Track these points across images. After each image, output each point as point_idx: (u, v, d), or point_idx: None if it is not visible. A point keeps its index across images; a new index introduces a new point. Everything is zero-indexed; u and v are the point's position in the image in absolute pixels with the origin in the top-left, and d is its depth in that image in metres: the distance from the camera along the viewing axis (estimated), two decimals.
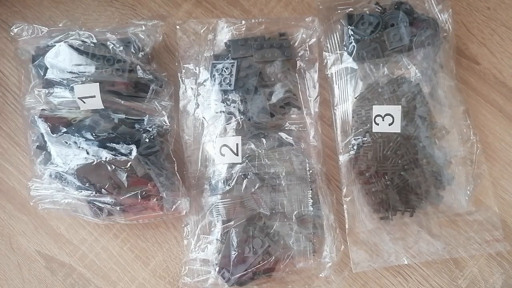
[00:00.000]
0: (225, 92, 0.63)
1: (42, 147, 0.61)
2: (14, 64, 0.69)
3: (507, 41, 0.69)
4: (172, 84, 0.66)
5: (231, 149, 0.61)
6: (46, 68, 0.61)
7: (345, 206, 0.64)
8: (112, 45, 0.62)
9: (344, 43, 0.66)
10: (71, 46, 0.61)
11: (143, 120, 0.62)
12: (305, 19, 0.67)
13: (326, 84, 0.67)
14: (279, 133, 0.63)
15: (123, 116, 0.61)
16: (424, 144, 0.61)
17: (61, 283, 0.66)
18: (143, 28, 0.64)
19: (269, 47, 0.64)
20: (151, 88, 0.63)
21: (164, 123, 0.62)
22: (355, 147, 0.63)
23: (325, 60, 0.67)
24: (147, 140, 0.60)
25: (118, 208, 0.59)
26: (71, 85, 0.60)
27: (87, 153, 0.58)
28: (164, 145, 0.62)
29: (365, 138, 0.62)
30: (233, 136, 0.62)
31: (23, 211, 0.67)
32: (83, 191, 0.58)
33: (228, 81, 0.63)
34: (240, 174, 0.61)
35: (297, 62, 0.66)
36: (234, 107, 0.62)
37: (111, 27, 0.66)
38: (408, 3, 0.64)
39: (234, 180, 0.61)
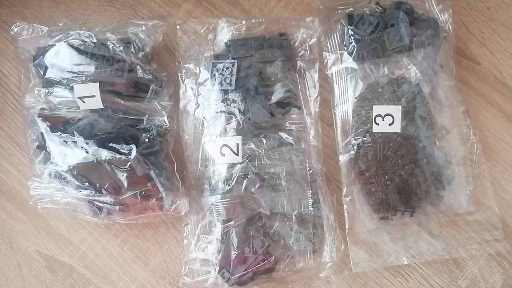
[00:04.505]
0: (225, 92, 0.63)
1: (42, 146, 0.60)
2: (14, 64, 0.69)
3: (507, 41, 0.69)
4: (172, 84, 0.65)
5: (231, 149, 0.61)
6: (46, 68, 0.61)
7: (345, 206, 0.64)
8: (112, 45, 0.62)
9: (344, 43, 0.66)
10: (71, 45, 0.61)
11: (143, 120, 0.62)
12: (305, 19, 0.67)
13: (326, 84, 0.67)
14: (279, 133, 0.63)
15: (122, 116, 0.61)
16: (424, 144, 0.61)
17: (61, 283, 0.66)
18: (143, 28, 0.64)
19: (269, 47, 0.64)
20: (151, 88, 0.63)
21: (163, 123, 0.62)
22: (355, 147, 0.63)
23: (325, 60, 0.67)
24: (146, 140, 0.60)
25: (117, 207, 0.59)
26: (71, 85, 0.60)
27: (87, 152, 0.58)
28: (164, 145, 0.62)
29: (365, 138, 0.62)
30: (233, 136, 0.62)
31: (23, 211, 0.67)
32: (82, 190, 0.58)
33: (228, 81, 0.63)
34: (240, 174, 0.61)
35: (297, 62, 0.66)
36: (234, 107, 0.62)
37: (111, 27, 0.66)
38: (408, 3, 0.64)
39: (234, 180, 0.61)
